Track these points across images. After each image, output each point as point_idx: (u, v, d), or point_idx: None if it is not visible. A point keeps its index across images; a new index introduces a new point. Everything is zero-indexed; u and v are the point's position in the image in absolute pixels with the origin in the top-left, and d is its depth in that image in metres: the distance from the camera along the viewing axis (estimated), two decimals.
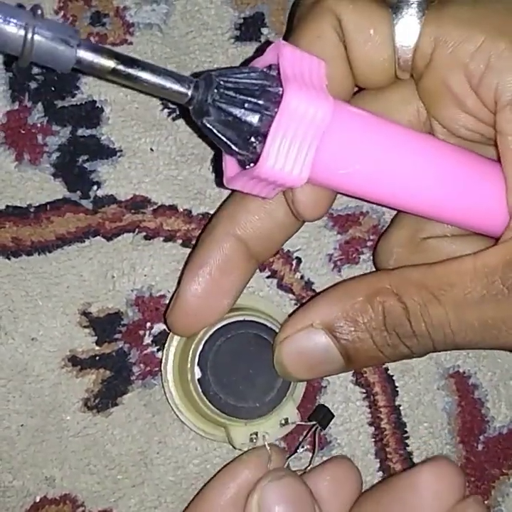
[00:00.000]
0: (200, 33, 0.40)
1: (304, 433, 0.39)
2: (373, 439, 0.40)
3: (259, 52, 0.31)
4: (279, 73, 0.29)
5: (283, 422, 0.36)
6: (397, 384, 0.40)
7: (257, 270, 0.39)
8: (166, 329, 0.38)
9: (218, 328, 0.36)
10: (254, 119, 0.29)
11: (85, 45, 0.27)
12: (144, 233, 0.39)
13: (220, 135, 0.29)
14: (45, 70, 0.38)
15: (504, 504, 0.41)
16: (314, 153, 0.29)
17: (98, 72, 0.27)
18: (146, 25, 0.39)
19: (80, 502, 0.38)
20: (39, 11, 0.26)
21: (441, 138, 0.34)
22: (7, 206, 0.38)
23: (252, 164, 0.30)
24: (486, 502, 0.41)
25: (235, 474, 0.35)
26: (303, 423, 0.37)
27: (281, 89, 0.29)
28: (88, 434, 0.38)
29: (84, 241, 0.38)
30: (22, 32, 0.25)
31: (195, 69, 0.40)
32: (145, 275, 0.39)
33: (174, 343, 0.38)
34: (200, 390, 0.35)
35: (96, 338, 0.38)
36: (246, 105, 0.29)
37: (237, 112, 0.29)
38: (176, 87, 0.28)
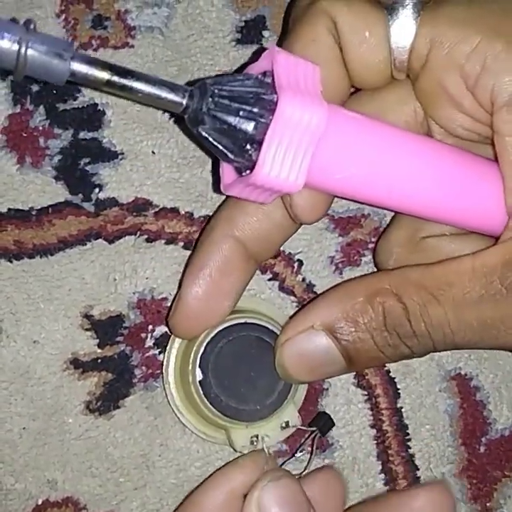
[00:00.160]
0: (201, 36, 0.40)
1: (304, 438, 0.39)
2: (375, 442, 0.40)
3: (256, 57, 0.31)
4: (273, 80, 0.29)
5: (284, 424, 0.36)
6: (398, 386, 0.40)
7: (259, 272, 0.40)
8: (168, 332, 0.38)
9: (220, 331, 0.36)
10: (249, 127, 0.29)
11: (79, 57, 0.27)
12: (146, 236, 0.39)
13: (215, 143, 0.29)
14: None
15: (506, 506, 0.41)
16: (310, 159, 0.29)
17: (93, 84, 0.27)
18: (147, 29, 0.40)
19: (82, 505, 0.38)
20: (32, 25, 0.26)
21: (439, 137, 0.34)
22: (9, 209, 0.38)
23: (248, 171, 0.30)
24: (487, 504, 0.41)
25: (229, 478, 0.34)
26: (303, 428, 0.37)
27: (275, 96, 0.29)
28: (90, 436, 0.38)
29: (86, 244, 0.38)
30: (15, 46, 0.25)
31: (197, 72, 0.40)
32: (147, 278, 0.39)
33: (176, 345, 0.38)
34: (201, 392, 0.35)
35: (98, 340, 0.38)
36: (241, 113, 0.29)
37: (232, 120, 0.29)
38: (171, 96, 0.28)
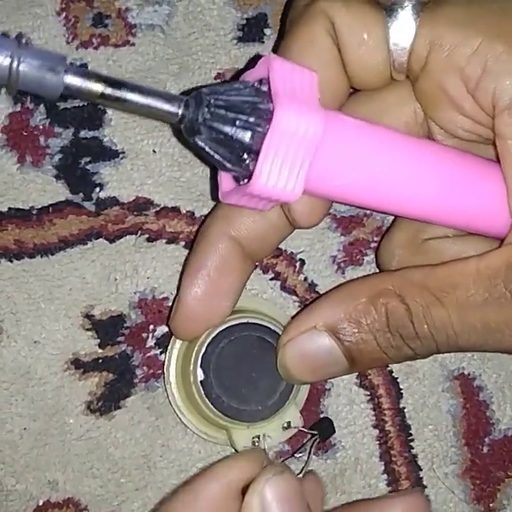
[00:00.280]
0: (202, 34, 0.40)
1: (305, 439, 0.39)
2: (378, 442, 0.40)
3: (252, 64, 0.31)
4: (270, 88, 0.29)
5: (285, 425, 0.36)
6: (401, 386, 0.40)
7: (260, 272, 0.39)
8: (169, 331, 0.38)
9: (221, 331, 0.35)
10: (245, 136, 0.29)
11: (73, 71, 0.27)
12: (147, 235, 0.39)
13: (212, 153, 0.29)
14: None
15: (509, 507, 0.41)
16: (308, 167, 0.29)
17: (87, 97, 0.27)
18: (148, 27, 0.39)
19: (83, 506, 0.38)
20: (24, 40, 0.26)
21: (439, 138, 0.33)
22: (9, 208, 0.38)
23: (246, 180, 0.30)
24: (491, 505, 0.41)
25: (227, 470, 0.34)
26: (304, 430, 0.37)
27: (272, 105, 0.28)
28: (91, 437, 0.38)
29: (86, 243, 0.38)
30: (7, 61, 0.25)
31: (198, 70, 0.39)
32: (148, 277, 0.39)
33: (177, 345, 0.38)
34: (202, 392, 0.35)
35: (99, 340, 0.38)
36: (237, 123, 0.28)
37: (229, 130, 0.29)
38: (167, 107, 0.28)
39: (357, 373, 0.40)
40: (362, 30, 0.31)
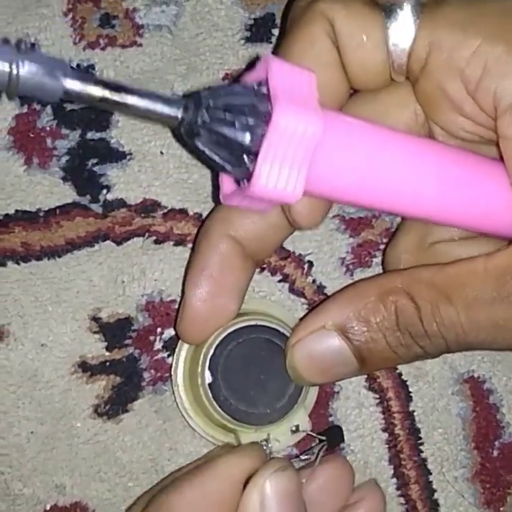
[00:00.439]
0: (210, 35, 0.40)
1: (312, 444, 0.38)
2: (387, 446, 0.40)
3: (252, 66, 0.31)
4: (269, 89, 0.29)
5: (294, 429, 0.36)
6: (411, 389, 0.40)
7: (269, 274, 0.39)
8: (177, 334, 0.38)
9: (229, 333, 0.35)
10: (245, 138, 0.29)
11: (72, 75, 0.27)
12: (154, 237, 0.38)
13: (212, 155, 0.29)
14: None
15: None
16: (308, 168, 0.29)
17: (87, 101, 0.27)
18: (155, 27, 0.39)
19: (91, 510, 0.38)
20: (23, 45, 0.26)
21: (441, 139, 0.33)
22: (16, 211, 0.38)
23: (246, 182, 0.30)
24: (501, 509, 0.40)
25: (228, 464, 0.34)
26: (313, 434, 0.37)
27: (270, 106, 0.28)
28: (98, 441, 0.38)
29: (93, 245, 0.38)
30: (7, 67, 0.25)
31: (206, 71, 0.39)
32: (155, 280, 0.38)
33: (185, 346, 0.37)
34: (210, 394, 0.35)
35: (106, 343, 0.38)
36: (236, 125, 0.28)
37: (228, 132, 0.28)
38: (166, 110, 0.28)
39: (366, 376, 0.40)
40: (361, 31, 0.31)
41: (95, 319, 0.38)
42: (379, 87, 0.33)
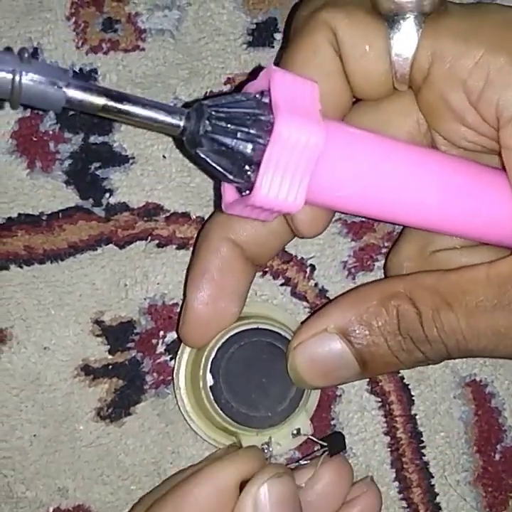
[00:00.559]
0: (212, 39, 0.40)
1: (313, 449, 0.38)
2: (389, 449, 0.40)
3: (254, 75, 0.31)
4: (271, 100, 0.29)
5: (295, 432, 0.36)
6: (412, 393, 0.40)
7: (271, 278, 0.39)
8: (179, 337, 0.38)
9: (231, 336, 0.35)
10: (247, 148, 0.29)
11: (74, 84, 0.27)
12: (157, 241, 0.38)
13: (214, 165, 0.29)
14: None
15: None
16: (309, 178, 0.29)
17: (89, 110, 0.27)
18: (158, 31, 0.39)
19: None
20: (26, 54, 0.26)
21: (443, 149, 0.33)
22: (19, 214, 0.38)
23: (248, 191, 0.30)
24: None
25: (224, 469, 0.33)
26: (314, 439, 0.37)
27: (273, 117, 0.28)
28: (101, 444, 0.38)
29: (96, 249, 0.38)
30: (9, 77, 0.26)
31: (208, 75, 0.39)
32: (158, 283, 0.38)
33: (187, 349, 0.37)
34: (211, 397, 0.35)
35: (109, 347, 0.38)
36: (238, 135, 0.29)
37: (230, 142, 0.29)
38: (168, 119, 0.28)
39: (368, 380, 0.40)
40: (364, 40, 0.31)
41: (98, 322, 0.38)
42: (381, 96, 0.33)
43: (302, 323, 0.37)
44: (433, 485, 0.40)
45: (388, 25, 0.31)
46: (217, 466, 0.33)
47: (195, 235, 0.39)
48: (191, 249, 0.39)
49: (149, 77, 0.39)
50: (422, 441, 0.40)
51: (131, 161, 0.39)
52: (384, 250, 0.40)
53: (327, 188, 0.30)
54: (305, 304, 0.40)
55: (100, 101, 0.27)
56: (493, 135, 0.31)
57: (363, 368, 0.33)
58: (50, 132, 0.38)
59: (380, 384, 0.40)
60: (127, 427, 0.38)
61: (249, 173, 0.29)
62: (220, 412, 0.35)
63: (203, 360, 0.35)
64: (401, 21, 0.31)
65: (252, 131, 0.28)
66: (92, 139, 0.38)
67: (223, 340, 0.35)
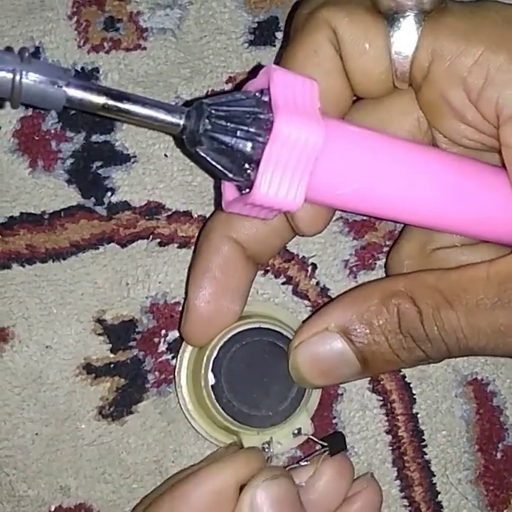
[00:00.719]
0: (214, 38, 0.40)
1: (314, 449, 0.38)
2: (390, 448, 0.40)
3: (254, 73, 0.31)
4: (270, 98, 0.29)
5: (296, 432, 0.36)
6: (414, 391, 0.40)
7: (272, 276, 0.39)
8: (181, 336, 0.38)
9: (233, 335, 0.35)
10: (246, 147, 0.29)
11: (75, 83, 0.27)
12: (159, 240, 0.39)
13: (214, 163, 0.29)
14: None
15: None
16: (309, 177, 0.29)
17: (89, 109, 0.28)
18: (159, 30, 0.39)
19: (95, 511, 0.38)
20: (26, 54, 0.26)
21: (444, 146, 0.33)
22: (21, 213, 0.38)
23: (248, 189, 0.30)
24: (504, 511, 0.40)
25: (221, 472, 0.33)
26: (315, 439, 0.37)
27: (272, 115, 0.29)
28: (103, 442, 0.38)
29: (98, 248, 0.38)
30: (10, 76, 0.26)
31: (209, 74, 0.39)
32: (159, 282, 0.38)
33: (189, 348, 0.37)
34: (213, 396, 0.35)
35: (110, 345, 0.38)
36: (238, 133, 0.29)
37: (230, 140, 0.29)
38: (168, 118, 0.28)
39: (369, 379, 0.40)
40: (364, 39, 0.31)
41: (100, 321, 0.38)
42: (382, 95, 0.33)
43: (304, 322, 0.37)
44: (434, 483, 0.40)
45: (388, 23, 0.31)
46: (215, 468, 0.33)
47: (197, 234, 0.39)
48: (193, 248, 0.39)
49: (151, 76, 0.39)
50: (424, 440, 0.40)
51: (132, 159, 0.39)
52: (385, 249, 0.40)
53: (327, 185, 0.30)
54: (306, 302, 0.40)
55: (100, 100, 0.27)
56: (493, 133, 0.31)
57: (364, 367, 0.33)
58: (52, 131, 0.38)
59: (381, 382, 0.40)
60: (129, 426, 0.38)
61: (249, 171, 0.29)
62: (222, 411, 0.35)
63: (205, 359, 0.35)
64: (401, 19, 0.31)
65: (251, 129, 0.29)
66: (94, 137, 0.38)
67: (225, 339, 0.35)
